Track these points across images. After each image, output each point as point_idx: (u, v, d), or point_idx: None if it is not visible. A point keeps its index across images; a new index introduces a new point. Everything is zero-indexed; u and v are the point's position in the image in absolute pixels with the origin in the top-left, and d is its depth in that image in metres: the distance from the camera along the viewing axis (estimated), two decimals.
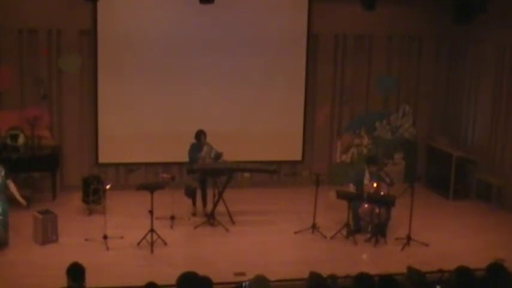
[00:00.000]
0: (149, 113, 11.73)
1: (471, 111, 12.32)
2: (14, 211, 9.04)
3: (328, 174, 12.21)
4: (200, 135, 10.31)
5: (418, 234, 9.45)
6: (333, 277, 6.16)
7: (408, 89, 12.89)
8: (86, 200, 10.46)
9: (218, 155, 10.34)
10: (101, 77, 11.50)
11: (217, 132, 10.99)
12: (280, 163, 12.11)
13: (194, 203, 10.61)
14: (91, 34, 11.42)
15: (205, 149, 10.31)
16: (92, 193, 10.35)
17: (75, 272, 5.75)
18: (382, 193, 9.64)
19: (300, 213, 10.41)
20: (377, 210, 9.53)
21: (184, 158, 10.43)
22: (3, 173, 8.86)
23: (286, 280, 7.65)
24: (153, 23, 11.54)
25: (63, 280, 5.76)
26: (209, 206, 10.37)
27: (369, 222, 9.72)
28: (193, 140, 10.36)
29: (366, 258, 9.24)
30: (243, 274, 7.85)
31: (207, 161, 10.28)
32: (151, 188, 9.14)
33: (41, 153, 10.96)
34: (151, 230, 8.97)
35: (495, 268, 6.00)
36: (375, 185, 9.62)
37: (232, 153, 10.51)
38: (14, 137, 11.05)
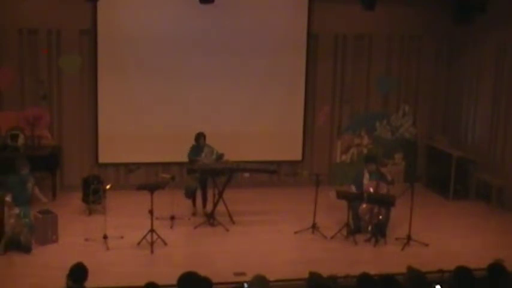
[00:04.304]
0: (149, 113, 11.74)
1: (471, 111, 12.32)
2: None
3: (328, 174, 12.21)
4: (200, 137, 10.31)
5: (418, 234, 9.45)
6: (333, 278, 6.16)
7: (408, 89, 12.89)
8: (86, 200, 10.46)
9: (220, 156, 10.33)
10: (101, 77, 11.51)
11: (217, 132, 11.01)
12: (280, 163, 12.11)
13: (194, 203, 10.61)
14: (91, 34, 11.42)
15: (205, 150, 10.30)
16: (92, 193, 10.34)
17: (78, 273, 5.75)
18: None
19: (300, 213, 10.40)
20: (376, 210, 9.54)
21: (184, 158, 10.43)
22: (33, 181, 9.03)
23: (286, 280, 7.65)
24: (153, 23, 11.54)
25: (64, 280, 5.76)
26: (209, 206, 10.37)
27: (368, 222, 9.72)
28: (193, 140, 10.37)
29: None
30: (243, 274, 7.84)
31: (207, 161, 10.28)
32: (151, 188, 9.13)
33: (41, 153, 10.96)
34: (152, 230, 8.97)
35: (495, 268, 6.00)
36: (371, 189, 9.61)
37: (232, 153, 10.50)
38: (14, 137, 11.06)
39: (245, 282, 6.04)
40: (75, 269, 5.76)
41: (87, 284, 5.87)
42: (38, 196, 9.21)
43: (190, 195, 10.49)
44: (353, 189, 9.86)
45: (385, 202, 9.48)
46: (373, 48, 12.58)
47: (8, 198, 8.63)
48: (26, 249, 8.67)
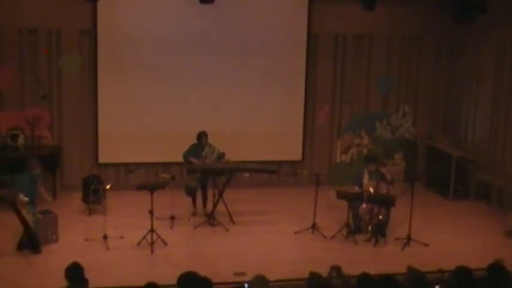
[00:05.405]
0: (149, 113, 11.74)
1: (471, 111, 12.32)
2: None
3: (328, 174, 12.21)
4: (202, 136, 10.32)
5: (418, 234, 9.45)
6: (337, 268, 6.15)
7: (408, 89, 12.89)
8: (86, 200, 10.47)
9: (221, 155, 10.34)
10: (101, 77, 11.51)
11: (218, 132, 10.99)
12: (280, 163, 12.11)
13: (194, 203, 10.61)
14: (91, 34, 11.42)
15: (206, 149, 10.31)
16: (92, 193, 10.35)
17: (73, 272, 5.74)
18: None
19: (300, 213, 10.40)
20: (376, 210, 9.54)
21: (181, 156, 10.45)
22: (41, 181, 9.06)
23: (286, 280, 7.65)
24: (153, 23, 11.54)
25: (64, 280, 5.76)
26: (209, 206, 10.37)
27: (368, 222, 9.72)
28: (193, 140, 10.37)
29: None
30: (243, 274, 7.85)
31: (208, 161, 10.28)
32: (151, 188, 9.14)
33: (41, 153, 10.95)
34: (152, 230, 8.97)
35: (495, 268, 6.00)
36: (371, 189, 9.60)
37: (232, 153, 10.50)
38: (14, 137, 11.06)
39: (245, 282, 6.04)
40: (70, 269, 5.75)
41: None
42: (44, 195, 9.21)
43: (191, 193, 10.48)
44: (357, 189, 9.81)
45: (385, 202, 9.48)
46: (373, 48, 12.58)
47: (21, 197, 8.61)
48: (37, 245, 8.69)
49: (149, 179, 11.25)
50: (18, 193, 8.59)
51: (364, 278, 5.65)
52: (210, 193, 10.34)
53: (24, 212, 8.65)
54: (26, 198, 8.61)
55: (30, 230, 8.67)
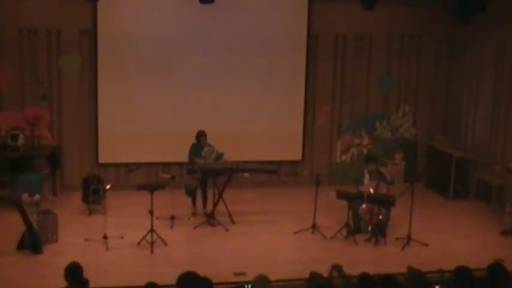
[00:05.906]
0: (149, 113, 11.74)
1: (471, 111, 12.32)
2: (13, 211, 8.97)
3: (328, 174, 12.21)
4: (200, 136, 10.32)
5: (418, 234, 9.45)
6: (338, 267, 6.15)
7: (408, 89, 12.89)
8: (86, 200, 10.47)
9: (219, 156, 10.34)
10: (101, 77, 11.51)
11: (218, 132, 10.99)
12: (280, 163, 12.11)
13: (194, 203, 10.62)
14: (91, 34, 11.42)
15: (205, 149, 10.31)
16: (92, 193, 10.35)
17: (72, 272, 5.74)
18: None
19: (300, 213, 10.40)
20: (376, 210, 9.54)
21: (184, 158, 10.44)
22: (46, 181, 8.99)
23: (286, 280, 7.65)
24: (153, 23, 11.54)
25: (64, 280, 5.76)
26: (209, 206, 10.37)
27: (368, 222, 9.72)
28: (193, 140, 10.37)
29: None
30: (243, 274, 7.85)
31: (208, 161, 10.28)
32: (151, 188, 9.13)
33: (41, 153, 10.96)
34: (152, 230, 8.97)
35: (495, 268, 6.00)
36: (371, 189, 9.60)
37: (232, 153, 10.51)
38: (14, 137, 11.06)
39: (246, 282, 6.05)
40: (69, 269, 5.74)
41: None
42: (47, 195, 9.20)
43: (191, 193, 10.49)
44: (359, 189, 9.74)
45: (385, 202, 9.48)
46: (373, 48, 12.58)
47: (25, 197, 8.60)
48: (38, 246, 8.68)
49: (149, 179, 11.25)
50: (22, 193, 8.58)
51: (364, 278, 5.65)
52: (210, 193, 10.34)
53: (29, 213, 8.64)
54: (38, 196, 8.57)
55: (33, 231, 8.67)
